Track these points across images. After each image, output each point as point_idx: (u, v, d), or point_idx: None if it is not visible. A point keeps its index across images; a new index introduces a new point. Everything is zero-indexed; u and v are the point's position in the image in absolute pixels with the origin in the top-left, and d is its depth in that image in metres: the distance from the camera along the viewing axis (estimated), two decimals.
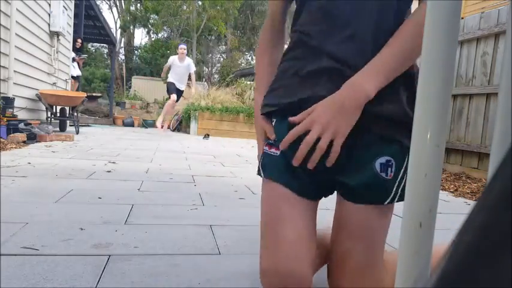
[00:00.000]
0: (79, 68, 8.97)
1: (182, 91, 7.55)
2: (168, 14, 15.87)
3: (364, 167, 0.77)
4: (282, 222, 0.78)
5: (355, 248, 0.79)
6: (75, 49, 8.55)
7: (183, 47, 7.41)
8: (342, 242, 0.81)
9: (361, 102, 0.71)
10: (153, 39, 20.37)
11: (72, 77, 8.56)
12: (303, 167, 0.75)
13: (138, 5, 17.33)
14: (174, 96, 7.12)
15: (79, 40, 8.63)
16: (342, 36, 0.76)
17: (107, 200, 1.77)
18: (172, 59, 7.42)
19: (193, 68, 7.47)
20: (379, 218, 0.80)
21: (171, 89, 7.23)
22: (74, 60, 8.53)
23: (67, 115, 6.30)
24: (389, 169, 0.77)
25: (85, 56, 9.37)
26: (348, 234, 0.80)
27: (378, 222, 0.80)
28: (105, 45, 20.30)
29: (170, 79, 7.36)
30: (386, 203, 0.78)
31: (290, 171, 0.80)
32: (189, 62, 7.44)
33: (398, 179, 0.78)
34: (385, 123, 0.76)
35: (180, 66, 7.31)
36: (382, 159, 0.77)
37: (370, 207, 0.79)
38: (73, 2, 7.41)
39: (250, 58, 27.37)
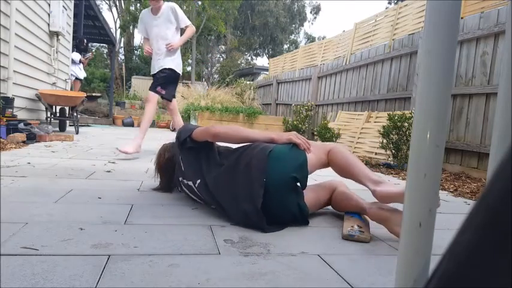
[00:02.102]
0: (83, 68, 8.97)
1: (169, 71, 3.69)
2: None
3: None
4: None
5: None
6: (80, 50, 8.53)
7: None
8: None
9: None
10: None
11: (78, 78, 8.55)
12: None
13: (138, 4, 17.33)
14: (151, 96, 3.69)
15: (84, 41, 8.60)
16: None
17: (106, 200, 1.77)
18: (144, 19, 3.80)
19: (185, 21, 3.74)
20: None
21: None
22: (80, 61, 8.51)
23: (67, 115, 6.30)
24: None
25: (89, 54, 9.30)
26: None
27: None
28: (104, 45, 20.30)
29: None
30: None
31: None
32: (168, 8, 3.66)
33: None
34: None
35: (156, 24, 3.68)
36: None
37: None
38: (72, 1, 7.41)
39: (249, 58, 27.36)
